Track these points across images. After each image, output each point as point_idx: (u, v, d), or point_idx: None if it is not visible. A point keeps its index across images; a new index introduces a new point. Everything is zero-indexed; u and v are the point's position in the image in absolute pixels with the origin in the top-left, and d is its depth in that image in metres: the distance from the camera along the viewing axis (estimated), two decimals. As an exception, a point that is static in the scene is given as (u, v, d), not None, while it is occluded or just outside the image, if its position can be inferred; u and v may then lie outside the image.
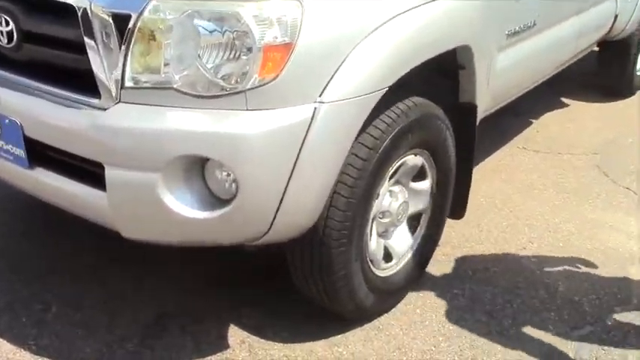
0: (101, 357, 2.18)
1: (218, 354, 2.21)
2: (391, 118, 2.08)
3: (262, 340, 2.28)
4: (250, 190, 1.77)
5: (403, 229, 2.42)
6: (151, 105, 1.78)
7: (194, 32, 1.73)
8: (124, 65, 1.77)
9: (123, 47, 1.75)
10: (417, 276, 2.53)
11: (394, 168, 2.20)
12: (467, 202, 2.68)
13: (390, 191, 2.28)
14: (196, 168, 1.81)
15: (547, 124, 4.31)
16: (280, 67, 1.74)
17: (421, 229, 2.51)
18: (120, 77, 1.78)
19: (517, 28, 2.80)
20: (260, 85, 1.74)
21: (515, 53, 2.87)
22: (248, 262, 2.51)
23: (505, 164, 3.71)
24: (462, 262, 2.77)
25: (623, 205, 3.32)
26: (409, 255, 2.46)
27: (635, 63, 4.69)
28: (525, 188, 3.43)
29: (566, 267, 2.76)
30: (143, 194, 1.78)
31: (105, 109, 1.80)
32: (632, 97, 4.83)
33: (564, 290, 2.61)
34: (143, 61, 1.78)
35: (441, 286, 2.61)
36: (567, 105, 4.67)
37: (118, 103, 1.80)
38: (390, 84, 1.96)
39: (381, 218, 2.28)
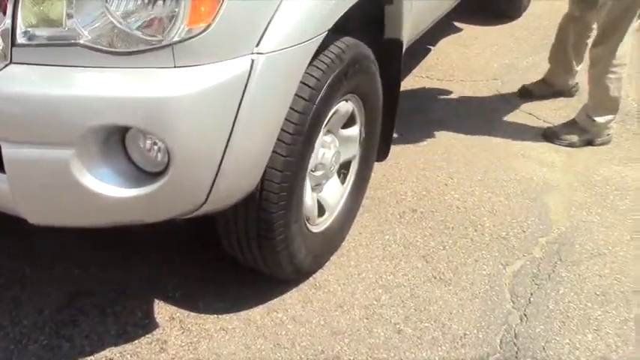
0: (10, 356, 1.89)
1: (147, 335, 1.99)
2: (325, 63, 1.87)
3: (194, 314, 2.08)
4: (185, 160, 1.52)
5: (334, 179, 2.27)
6: (53, 65, 1.46)
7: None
8: (14, 16, 1.43)
9: (10, -7, 1.42)
10: (349, 226, 2.41)
11: (328, 117, 2.01)
12: (391, 143, 2.58)
13: (323, 142, 2.10)
14: (115, 139, 1.52)
15: (445, 51, 4.26)
16: (212, 13, 1.47)
17: (351, 177, 2.37)
18: (9, 31, 1.43)
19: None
20: (190, 37, 1.46)
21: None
22: (166, 226, 2.25)
23: (410, 96, 3.62)
24: (387, 205, 2.68)
25: (529, 131, 3.35)
26: (340, 205, 2.33)
27: (524, -16, 4.73)
28: (436, 121, 3.37)
29: (489, 201, 2.75)
30: (53, 175, 1.48)
31: (-7, 73, 1.46)
32: (519, 19, 4.89)
33: (491, 226, 2.60)
34: (38, 10, 1.44)
35: (371, 232, 2.51)
36: (460, 29, 4.64)
37: (9, 64, 1.46)
38: (330, 26, 1.75)
39: (314, 172, 2.11)
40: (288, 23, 1.62)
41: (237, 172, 1.65)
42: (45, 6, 1.44)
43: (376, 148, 2.45)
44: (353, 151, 2.32)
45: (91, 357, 1.91)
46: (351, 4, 1.84)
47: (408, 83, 3.77)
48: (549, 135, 3.27)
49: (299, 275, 2.17)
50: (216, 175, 1.60)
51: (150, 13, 1.47)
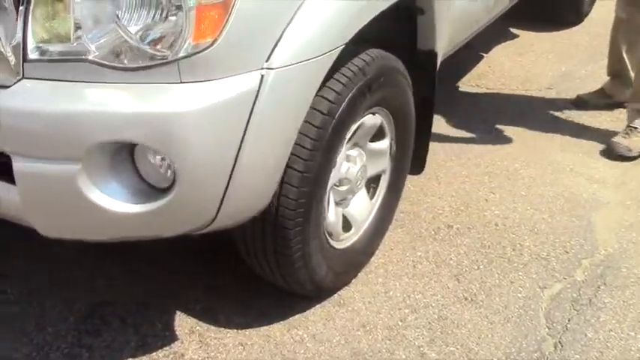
0: (31, 363, 1.93)
1: (165, 348, 1.98)
2: (347, 77, 1.82)
3: (213, 328, 2.06)
4: (191, 176, 1.50)
5: (362, 194, 2.20)
6: (63, 81, 1.47)
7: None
8: (25, 32, 1.45)
9: (21, 8, 1.44)
10: (377, 242, 2.34)
11: (351, 132, 1.96)
12: (426, 156, 2.49)
13: (348, 156, 2.05)
14: (124, 154, 1.52)
15: (498, 59, 4.12)
16: (218, 28, 1.44)
17: (380, 192, 2.30)
18: (21, 46, 1.45)
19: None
20: (195, 53, 1.44)
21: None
22: (189, 239, 2.25)
23: (458, 106, 3.51)
24: (422, 221, 2.59)
25: (582, 144, 3.19)
26: (369, 221, 2.26)
27: (585, -11, 4.53)
28: (482, 132, 3.25)
29: (531, 218, 2.62)
30: (62, 190, 1.49)
31: (6, 87, 1.48)
32: (581, 25, 4.68)
33: (531, 246, 2.47)
34: (48, 25, 1.46)
35: (402, 249, 2.43)
36: (517, 36, 4.48)
37: (21, 79, 1.48)
38: (349, 38, 1.70)
39: (338, 186, 2.05)
40: (302, 36, 1.58)
41: (246, 189, 1.62)
42: (55, 21, 1.45)
43: (409, 161, 2.38)
44: (383, 165, 2.25)
45: (109, 368, 1.92)
46: (373, 15, 1.78)
47: (456, 92, 3.67)
48: (606, 149, 3.10)
49: (320, 293, 2.11)
50: (225, 191, 1.57)
51: (161, 28, 1.46)
